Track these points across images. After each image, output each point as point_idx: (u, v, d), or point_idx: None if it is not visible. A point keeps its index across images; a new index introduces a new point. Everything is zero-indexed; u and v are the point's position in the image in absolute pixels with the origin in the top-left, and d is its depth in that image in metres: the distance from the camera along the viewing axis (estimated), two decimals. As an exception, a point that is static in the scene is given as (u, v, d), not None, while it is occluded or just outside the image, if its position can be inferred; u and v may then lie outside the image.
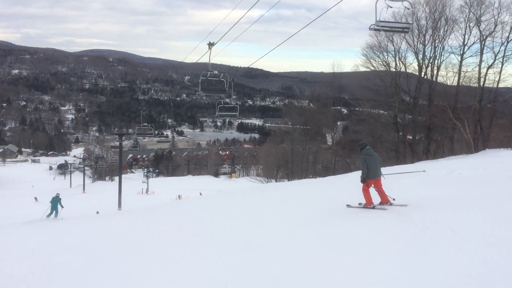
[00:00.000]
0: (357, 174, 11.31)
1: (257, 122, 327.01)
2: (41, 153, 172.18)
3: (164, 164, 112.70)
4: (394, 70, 34.08)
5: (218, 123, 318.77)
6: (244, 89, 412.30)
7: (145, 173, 68.26)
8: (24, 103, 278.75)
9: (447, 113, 25.70)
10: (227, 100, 15.11)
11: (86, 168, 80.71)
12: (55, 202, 21.50)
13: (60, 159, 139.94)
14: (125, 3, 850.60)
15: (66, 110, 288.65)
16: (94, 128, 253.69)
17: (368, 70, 36.80)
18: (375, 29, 10.34)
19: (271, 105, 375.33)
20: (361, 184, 9.88)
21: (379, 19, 9.43)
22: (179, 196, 46.93)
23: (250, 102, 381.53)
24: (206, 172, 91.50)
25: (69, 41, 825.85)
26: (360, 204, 10.17)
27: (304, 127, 56.12)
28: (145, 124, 35.48)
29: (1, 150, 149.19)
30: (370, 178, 9.62)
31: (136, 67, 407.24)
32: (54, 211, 22.84)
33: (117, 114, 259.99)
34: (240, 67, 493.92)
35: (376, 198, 9.92)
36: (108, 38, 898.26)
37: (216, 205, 17.73)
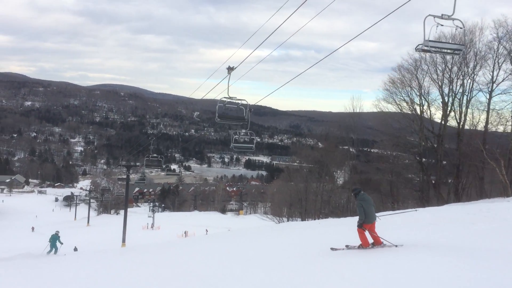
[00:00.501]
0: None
1: (264, 159, 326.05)
2: (48, 184, 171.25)
3: (170, 198, 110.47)
4: (418, 105, 32.58)
5: (226, 159, 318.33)
6: (252, 126, 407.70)
7: (151, 208, 66.31)
8: (35, 134, 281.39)
9: (479, 152, 23.87)
10: (243, 131, 14.16)
11: (92, 200, 79.01)
12: (54, 239, 21.72)
13: (67, 191, 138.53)
14: (138, 40, 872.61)
15: (76, 142, 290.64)
16: (102, 161, 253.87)
17: (389, 108, 35.26)
18: (423, 50, 8.59)
19: (279, 143, 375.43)
20: (356, 227, 10.12)
21: (428, 38, 8.17)
22: (185, 233, 44.73)
23: (258, 139, 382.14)
24: (213, 208, 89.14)
25: (82, 75, 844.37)
26: (347, 246, 10.29)
27: (313, 165, 54.62)
28: (154, 155, 33.52)
29: (9, 180, 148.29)
30: (367, 222, 9.74)
31: (147, 102, 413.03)
32: (54, 248, 23.16)
33: (126, 147, 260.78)
34: (249, 104, 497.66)
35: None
36: (121, 74, 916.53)
37: (228, 247, 15.81)
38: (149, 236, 43.79)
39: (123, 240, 33.26)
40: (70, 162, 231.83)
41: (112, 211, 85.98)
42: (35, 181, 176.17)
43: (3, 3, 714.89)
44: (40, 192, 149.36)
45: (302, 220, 40.85)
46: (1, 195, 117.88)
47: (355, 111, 53.40)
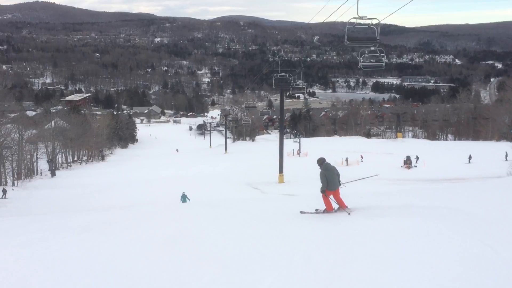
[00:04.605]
0: None
1: (394, 81, 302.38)
2: (181, 114, 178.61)
3: (302, 124, 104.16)
4: None
5: (351, 83, 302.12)
6: (378, 46, 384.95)
7: (297, 133, 60.53)
8: (166, 68, 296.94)
9: None
10: (372, 48, 13.56)
11: (221, 128, 76.38)
12: (184, 197, 21.24)
13: (199, 120, 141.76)
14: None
15: (202, 74, 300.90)
16: (228, 90, 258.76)
17: None
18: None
19: (409, 62, 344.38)
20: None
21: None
22: (346, 160, 37.08)
23: (385, 60, 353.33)
24: (352, 132, 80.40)
25: (203, 10, 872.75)
26: (317, 210, 10.82)
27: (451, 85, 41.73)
28: (282, 74, 28.71)
29: (146, 111, 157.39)
30: (330, 189, 10.26)
31: (266, 30, 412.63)
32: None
33: (249, 76, 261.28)
34: (372, 24, 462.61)
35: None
36: (238, 5, 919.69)
37: None
38: (300, 164, 37.15)
39: (280, 171, 26.70)
40: (199, 93, 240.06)
41: (247, 138, 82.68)
42: (169, 111, 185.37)
43: None
44: (175, 121, 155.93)
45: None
46: (141, 126, 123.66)
47: (497, 21, 37.74)
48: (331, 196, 10.39)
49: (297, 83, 27.09)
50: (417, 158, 33.04)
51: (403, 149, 43.80)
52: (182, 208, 13.02)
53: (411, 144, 49.29)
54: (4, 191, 25.35)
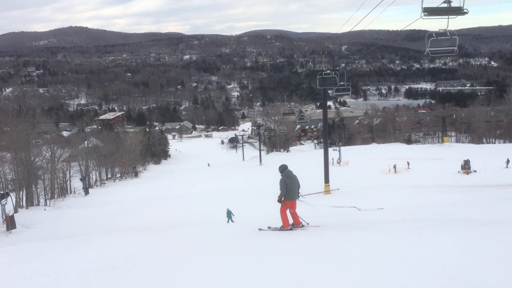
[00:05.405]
0: None
1: (427, 86, 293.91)
2: (212, 128, 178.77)
3: (336, 133, 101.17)
4: None
5: (383, 91, 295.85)
6: (408, 52, 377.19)
7: (336, 141, 58.37)
8: (195, 84, 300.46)
9: None
10: (441, 30, 11.09)
11: (254, 140, 74.46)
12: (229, 214, 20.31)
13: (230, 133, 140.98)
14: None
15: (232, 88, 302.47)
16: (258, 103, 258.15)
17: None
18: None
19: (443, 67, 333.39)
20: (279, 206, 10.23)
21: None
22: (394, 167, 34.32)
23: (417, 66, 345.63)
24: (391, 139, 76.99)
25: (230, 26, 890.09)
26: (269, 227, 10.58)
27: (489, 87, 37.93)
28: (328, 72, 23.83)
29: (178, 126, 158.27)
30: (288, 199, 10.03)
31: (293, 42, 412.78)
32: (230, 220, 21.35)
33: (278, 88, 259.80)
34: (400, 30, 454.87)
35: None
36: (263, 19, 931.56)
37: None
38: (343, 173, 34.67)
39: (326, 181, 24.46)
40: (229, 107, 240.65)
41: (282, 149, 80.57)
42: (200, 126, 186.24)
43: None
44: (206, 136, 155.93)
45: None
46: (173, 141, 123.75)
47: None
48: (288, 211, 10.03)
49: (341, 83, 24.50)
50: (469, 161, 30.15)
51: (452, 154, 40.55)
52: (234, 233, 10.89)
53: (459, 149, 45.75)
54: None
